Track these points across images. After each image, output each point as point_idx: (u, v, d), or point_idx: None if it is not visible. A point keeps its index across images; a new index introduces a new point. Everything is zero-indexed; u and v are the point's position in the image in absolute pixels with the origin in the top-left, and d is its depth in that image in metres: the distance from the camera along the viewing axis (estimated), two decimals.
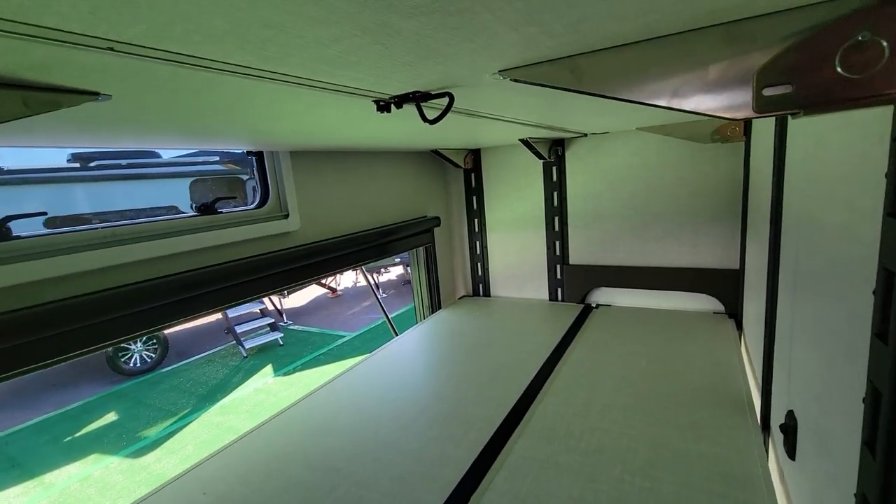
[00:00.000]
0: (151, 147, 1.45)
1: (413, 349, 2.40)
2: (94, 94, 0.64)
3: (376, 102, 0.90)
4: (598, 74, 0.65)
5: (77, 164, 6.95)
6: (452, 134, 1.86)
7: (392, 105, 0.90)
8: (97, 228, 1.32)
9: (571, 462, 1.33)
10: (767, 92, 0.56)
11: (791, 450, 1.09)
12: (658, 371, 1.83)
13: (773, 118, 1.35)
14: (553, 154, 2.59)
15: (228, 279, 1.60)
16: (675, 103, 0.61)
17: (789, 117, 1.18)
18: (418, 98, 0.86)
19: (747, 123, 2.06)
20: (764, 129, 1.62)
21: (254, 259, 1.70)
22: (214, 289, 1.56)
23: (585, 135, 2.48)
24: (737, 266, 2.30)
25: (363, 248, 2.24)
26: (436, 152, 2.64)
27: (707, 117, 0.60)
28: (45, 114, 0.72)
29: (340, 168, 2.17)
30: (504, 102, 1.08)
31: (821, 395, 0.89)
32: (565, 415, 1.58)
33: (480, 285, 3.11)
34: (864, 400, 0.63)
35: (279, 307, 9.95)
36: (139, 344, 7.87)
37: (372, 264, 10.41)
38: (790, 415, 1.11)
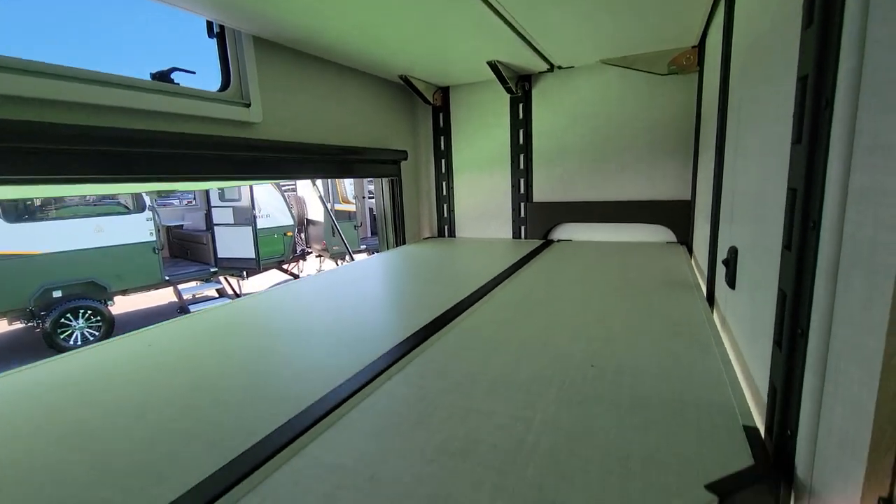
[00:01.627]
0: None
1: (372, 269, 2.36)
2: None
3: None
4: None
5: None
6: (420, 40, 1.86)
7: None
8: (28, 60, 1.23)
9: (528, 336, 1.27)
10: None
11: (731, 280, 1.15)
12: (613, 274, 1.88)
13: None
14: (520, 89, 2.65)
15: (176, 147, 1.52)
16: None
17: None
18: None
19: (700, 53, 2.18)
20: (714, 59, 1.71)
21: (208, 136, 1.64)
22: (162, 152, 1.48)
23: (552, 69, 2.55)
24: (688, 197, 2.42)
25: (327, 161, 2.20)
26: (406, 81, 2.64)
27: None
28: None
29: (308, 75, 2.13)
30: None
31: (758, 218, 0.92)
32: (521, 300, 1.59)
33: (446, 227, 3.11)
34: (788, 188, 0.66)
35: (238, 290, 9.59)
36: (81, 321, 7.36)
37: (337, 251, 10.18)
38: (732, 250, 1.17)
